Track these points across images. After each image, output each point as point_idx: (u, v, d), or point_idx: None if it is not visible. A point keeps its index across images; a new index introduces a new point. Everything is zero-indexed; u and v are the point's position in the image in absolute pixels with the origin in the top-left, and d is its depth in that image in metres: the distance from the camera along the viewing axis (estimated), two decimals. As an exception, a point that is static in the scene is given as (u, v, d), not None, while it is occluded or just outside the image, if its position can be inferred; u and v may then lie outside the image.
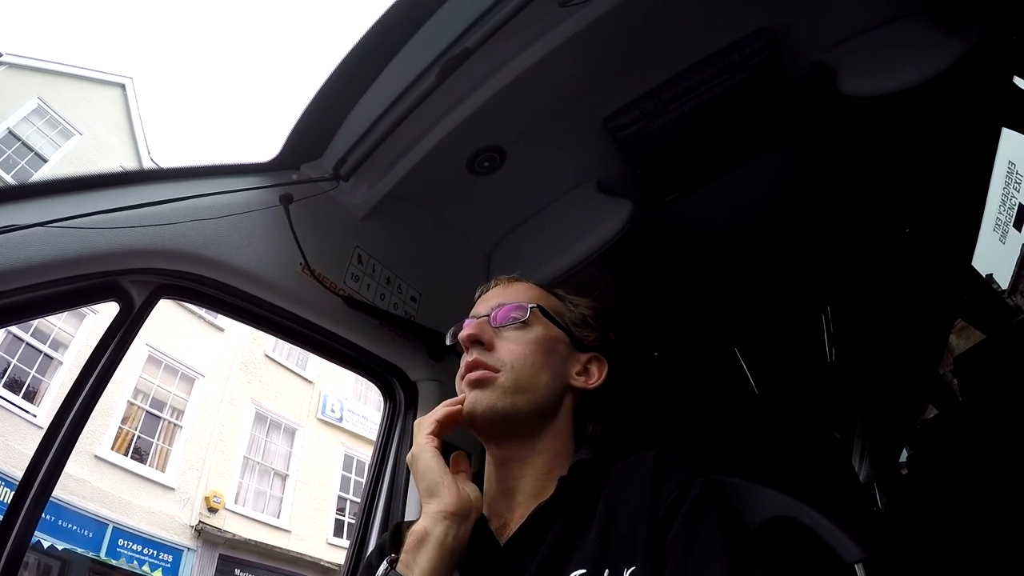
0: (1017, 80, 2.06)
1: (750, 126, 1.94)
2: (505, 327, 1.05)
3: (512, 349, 1.02)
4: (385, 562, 0.84)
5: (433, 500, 0.88)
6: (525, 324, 1.05)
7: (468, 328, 1.04)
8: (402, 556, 0.84)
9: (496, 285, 1.17)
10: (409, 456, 0.94)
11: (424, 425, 0.96)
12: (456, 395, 1.09)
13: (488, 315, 1.07)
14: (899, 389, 5.18)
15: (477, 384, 0.99)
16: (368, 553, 1.66)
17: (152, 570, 11.87)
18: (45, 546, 10.28)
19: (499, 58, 1.45)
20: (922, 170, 2.46)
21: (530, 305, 1.07)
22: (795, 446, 3.30)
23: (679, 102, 1.76)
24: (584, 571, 0.85)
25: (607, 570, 0.83)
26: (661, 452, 0.96)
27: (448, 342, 1.12)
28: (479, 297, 1.17)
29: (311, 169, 1.58)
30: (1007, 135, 2.54)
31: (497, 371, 1.00)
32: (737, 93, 1.75)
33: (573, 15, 1.42)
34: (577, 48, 1.47)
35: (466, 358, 1.04)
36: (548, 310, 1.09)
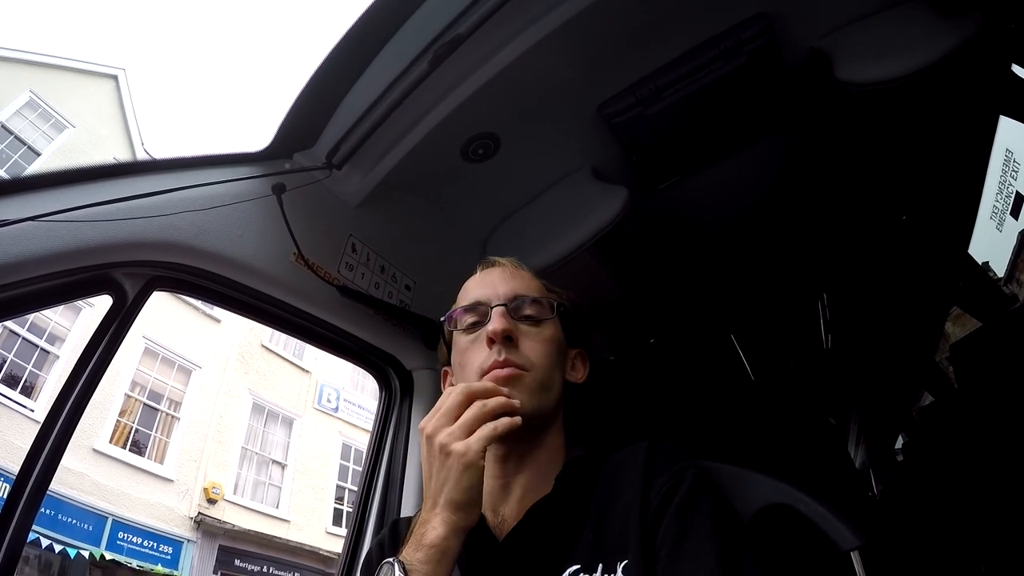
0: (1015, 68, 2.06)
1: (746, 112, 1.93)
2: (523, 322, 1.03)
3: (535, 348, 1.00)
4: (398, 569, 0.79)
5: (460, 513, 0.83)
6: (542, 321, 1.04)
7: (499, 321, 0.99)
8: (419, 566, 0.80)
9: (496, 266, 1.14)
10: (458, 451, 0.83)
11: (486, 431, 0.84)
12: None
13: (505, 304, 1.03)
14: (895, 376, 5.20)
15: (507, 383, 0.94)
16: (364, 545, 1.68)
17: (152, 563, 11.91)
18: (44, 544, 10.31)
19: (492, 44, 1.44)
20: (919, 157, 2.46)
21: (556, 303, 1.07)
22: (791, 433, 3.32)
23: (675, 88, 1.75)
24: (578, 567, 0.85)
25: (600, 565, 0.84)
26: (653, 444, 0.96)
27: (460, 326, 1.07)
28: (480, 275, 1.13)
29: (304, 158, 1.57)
30: (1005, 123, 2.54)
31: (526, 370, 0.97)
32: (733, 79, 1.74)
33: (567, 0, 1.40)
34: (571, 34, 1.46)
35: (488, 354, 0.99)
36: (560, 305, 1.09)
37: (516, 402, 0.89)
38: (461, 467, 0.82)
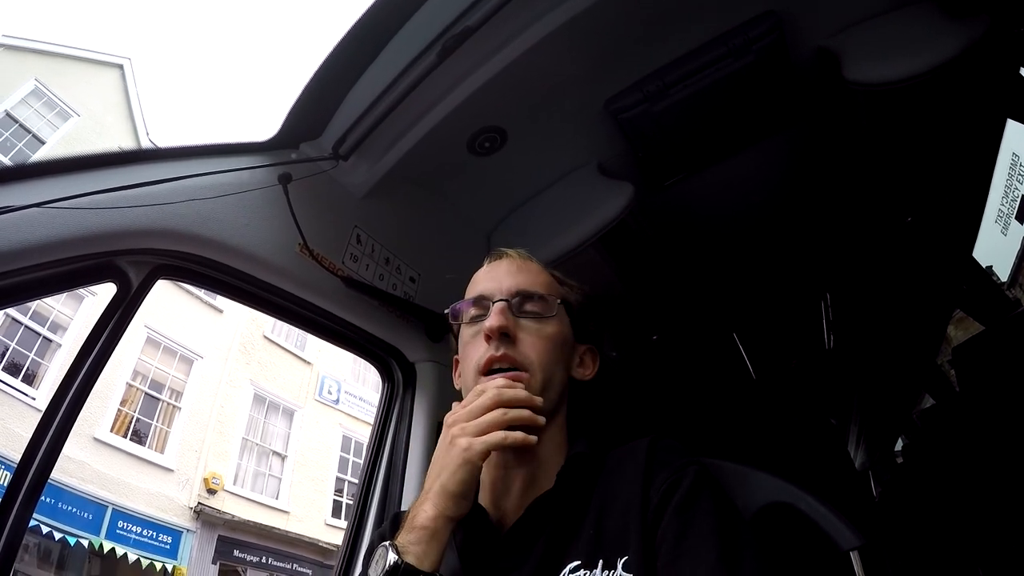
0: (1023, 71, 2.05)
1: (753, 110, 1.93)
2: (525, 318, 1.02)
3: (536, 345, 1.00)
4: (391, 552, 0.82)
5: (450, 501, 0.85)
6: (544, 317, 1.03)
7: (496, 317, 0.99)
8: (410, 547, 0.83)
9: (503, 258, 1.12)
10: (462, 445, 0.86)
11: (495, 438, 0.87)
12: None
13: (507, 300, 1.02)
14: (896, 378, 5.19)
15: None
16: (365, 537, 1.68)
17: (152, 552, 11.95)
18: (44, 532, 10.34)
19: (501, 37, 1.43)
20: (925, 159, 2.45)
21: (557, 300, 1.05)
22: (792, 432, 3.32)
23: (682, 85, 1.74)
24: (578, 563, 0.85)
25: (601, 560, 0.84)
26: (654, 441, 0.96)
27: (464, 319, 1.07)
28: (488, 267, 1.12)
29: (310, 148, 1.57)
30: (1012, 127, 2.52)
31: (526, 370, 0.97)
32: (741, 77, 1.74)
33: (577, -6, 1.40)
34: (580, 29, 1.45)
35: (485, 349, 0.99)
36: (565, 302, 1.07)
37: (541, 420, 0.91)
38: (460, 460, 0.86)
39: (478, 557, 0.95)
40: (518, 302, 1.03)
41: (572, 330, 1.07)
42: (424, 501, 0.86)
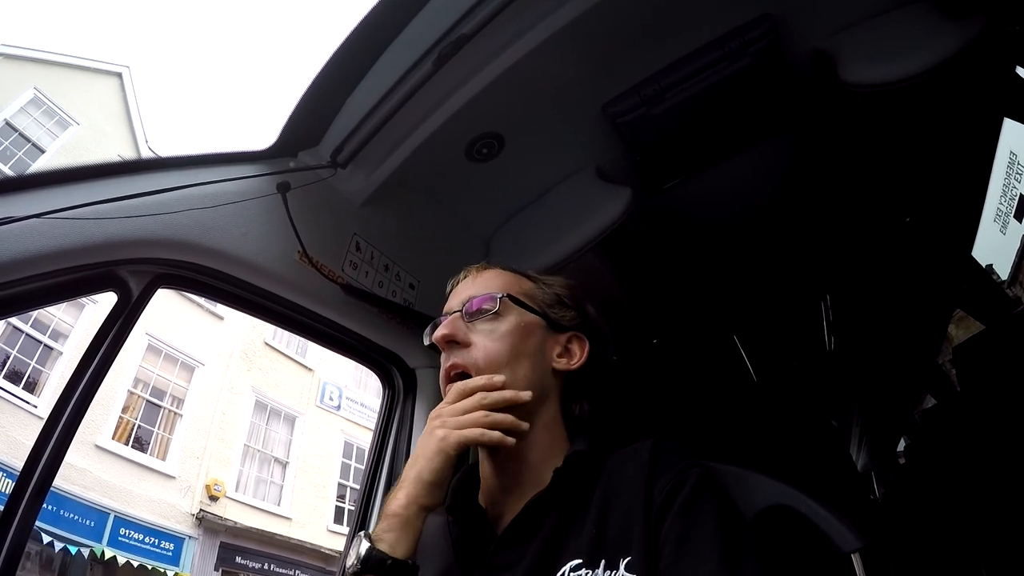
0: (1020, 70, 2.05)
1: (751, 113, 1.93)
2: (477, 321, 1.05)
3: (486, 345, 1.02)
4: (364, 540, 0.84)
5: (422, 489, 0.88)
6: (497, 315, 1.04)
7: (441, 328, 1.04)
8: (382, 535, 0.85)
9: (465, 277, 1.16)
10: (439, 435, 0.90)
11: (473, 434, 0.91)
12: None
13: (460, 310, 1.06)
14: (898, 378, 5.19)
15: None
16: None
17: (154, 559, 11.93)
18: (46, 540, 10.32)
19: (497, 44, 1.44)
20: (923, 159, 2.45)
21: (499, 295, 1.05)
22: (793, 435, 3.30)
23: (679, 88, 1.74)
24: (580, 561, 0.86)
25: (603, 560, 0.84)
26: (657, 443, 0.96)
27: (425, 342, 1.11)
28: (451, 291, 1.16)
29: (309, 156, 1.57)
30: (1009, 125, 2.53)
31: (472, 372, 1.00)
32: (738, 80, 1.74)
33: (572, 0, 1.40)
34: (576, 34, 1.46)
35: (444, 360, 1.04)
36: (519, 295, 1.08)
37: (524, 425, 0.95)
38: (436, 450, 0.89)
39: (474, 555, 0.96)
40: (468, 309, 1.06)
41: (546, 321, 1.08)
42: (399, 489, 0.89)
